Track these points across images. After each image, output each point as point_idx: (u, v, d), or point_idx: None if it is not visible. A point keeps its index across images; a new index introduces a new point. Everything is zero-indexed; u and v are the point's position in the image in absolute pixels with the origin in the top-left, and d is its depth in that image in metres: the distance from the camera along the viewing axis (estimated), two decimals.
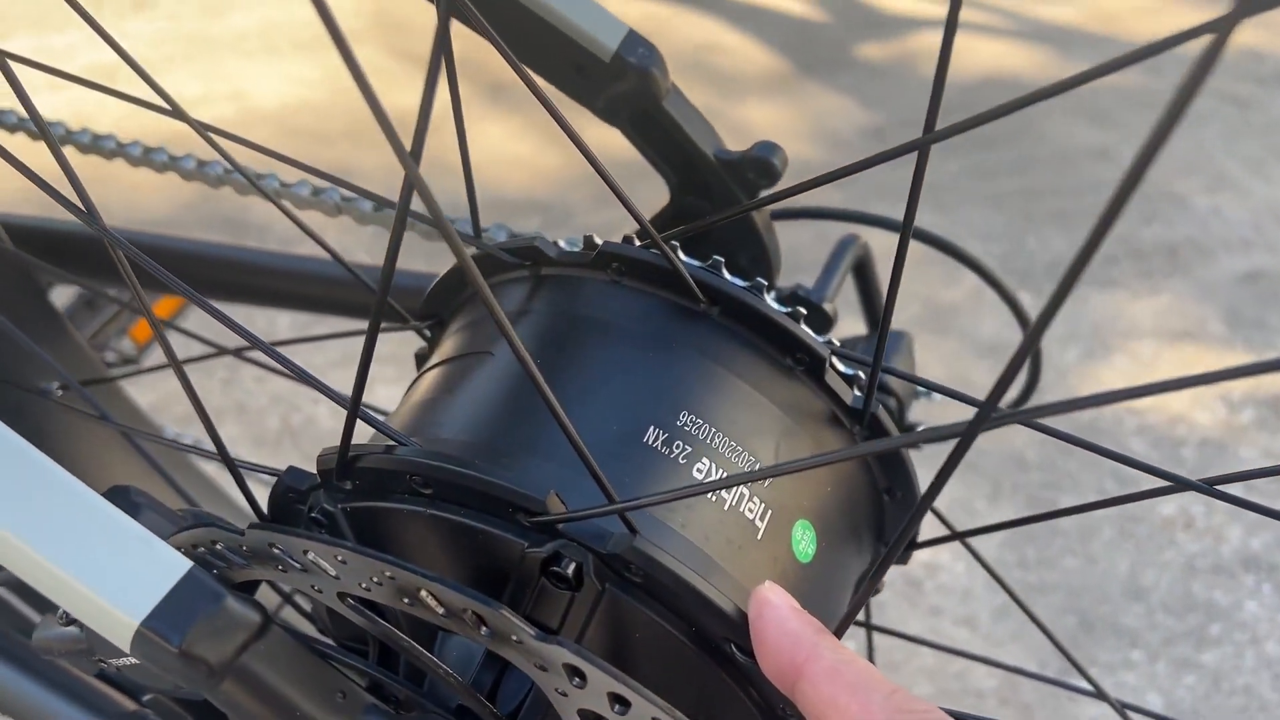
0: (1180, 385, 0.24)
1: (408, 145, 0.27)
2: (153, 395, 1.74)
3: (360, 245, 2.13)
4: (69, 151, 0.69)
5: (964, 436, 0.27)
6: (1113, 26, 3.48)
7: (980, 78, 3.06)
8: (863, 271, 0.60)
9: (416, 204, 0.63)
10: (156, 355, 1.00)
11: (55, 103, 2.58)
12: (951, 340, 2.09)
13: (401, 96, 2.91)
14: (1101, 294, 2.21)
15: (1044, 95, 0.30)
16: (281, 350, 0.40)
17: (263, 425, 1.79)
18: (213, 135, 0.46)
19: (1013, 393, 0.94)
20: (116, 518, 0.32)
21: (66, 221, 0.76)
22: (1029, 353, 0.25)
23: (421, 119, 0.28)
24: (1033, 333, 0.25)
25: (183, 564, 0.32)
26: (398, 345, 1.86)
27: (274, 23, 3.34)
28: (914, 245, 0.40)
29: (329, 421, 1.78)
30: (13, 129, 0.69)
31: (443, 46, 0.25)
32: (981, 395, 0.35)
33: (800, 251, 1.28)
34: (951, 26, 0.31)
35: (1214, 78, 0.22)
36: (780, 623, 0.32)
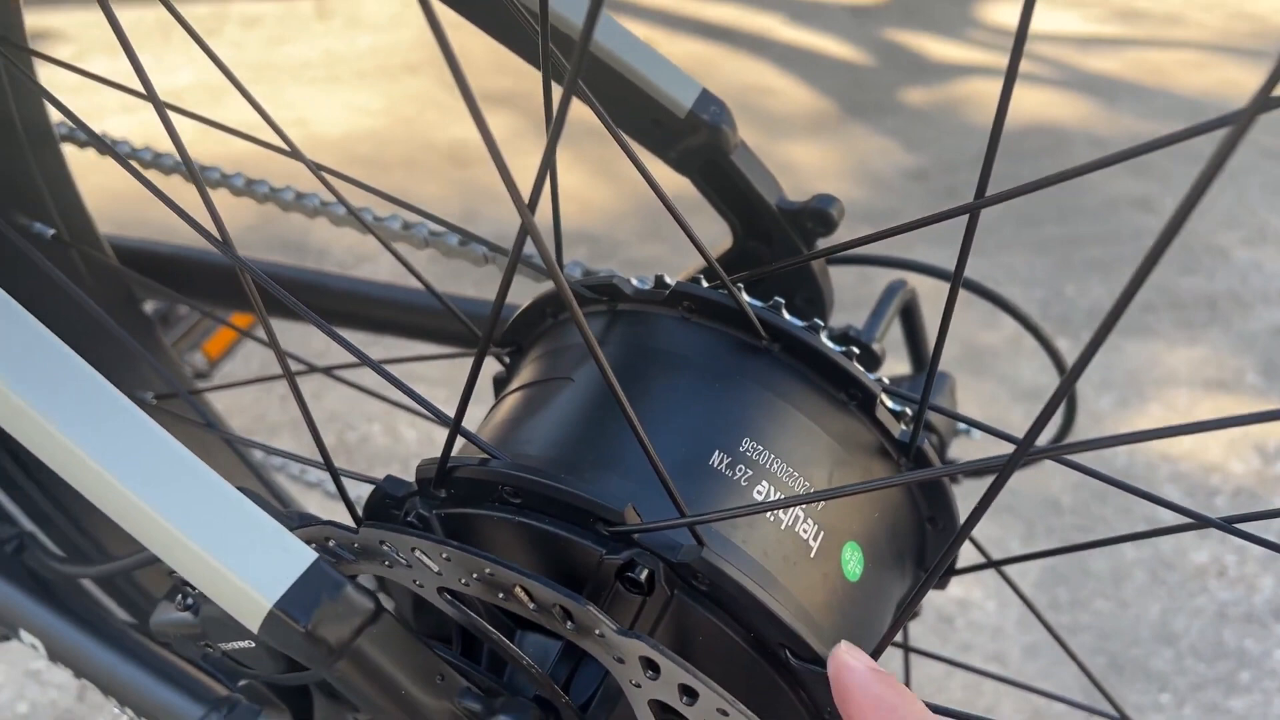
0: (1214, 426, 0.28)
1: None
2: (218, 406, 1.80)
3: (417, 263, 2.19)
4: (159, 177, 0.74)
5: (1002, 470, 0.31)
6: (1158, 78, 3.51)
7: (1025, 125, 3.09)
8: (909, 315, 0.64)
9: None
10: (229, 371, 1.05)
11: (129, 124, 2.68)
12: (989, 382, 2.12)
13: (458, 129, 2.99)
14: (1139, 342, 2.23)
15: (1091, 168, 0.34)
16: (389, 369, 0.45)
17: None
18: (325, 175, 0.51)
19: (1049, 435, 0.97)
20: (253, 511, 0.37)
21: (163, 243, 0.82)
22: (1066, 393, 0.29)
23: (540, 177, 0.33)
24: (1071, 374, 0.29)
25: (309, 554, 0.37)
26: (450, 369, 1.91)
27: (336, 53, 3.45)
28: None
29: (383, 439, 1.84)
30: (127, 157, 0.75)
31: (555, 142, 0.29)
32: (1018, 435, 0.39)
33: (843, 290, 1.31)
34: (1005, 101, 0.35)
35: (1257, 133, 0.26)
36: (864, 687, 0.36)
